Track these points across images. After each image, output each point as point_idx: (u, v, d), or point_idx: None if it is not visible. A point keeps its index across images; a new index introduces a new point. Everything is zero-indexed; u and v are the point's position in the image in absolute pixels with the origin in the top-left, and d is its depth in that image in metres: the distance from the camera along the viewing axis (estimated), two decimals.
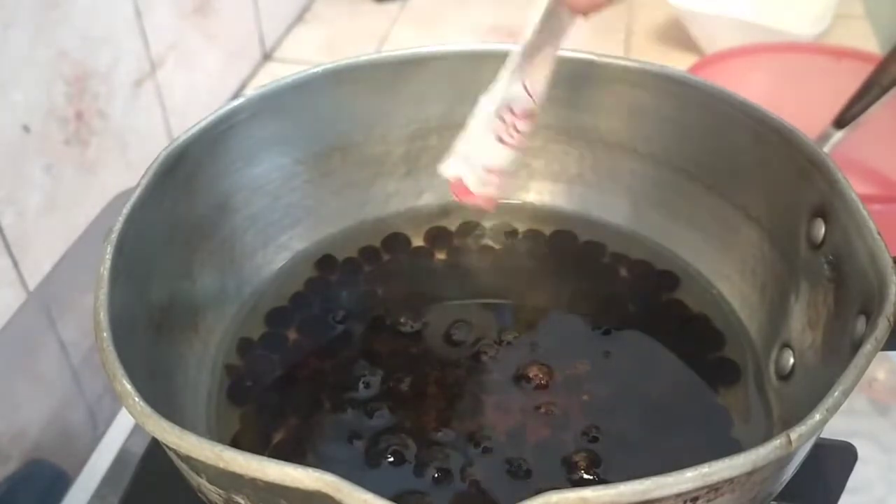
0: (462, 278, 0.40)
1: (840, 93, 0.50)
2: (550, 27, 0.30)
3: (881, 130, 0.51)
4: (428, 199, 0.42)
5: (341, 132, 0.40)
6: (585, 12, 0.29)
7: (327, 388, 0.34)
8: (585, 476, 0.30)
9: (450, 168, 0.33)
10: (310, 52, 0.76)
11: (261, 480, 0.21)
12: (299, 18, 0.80)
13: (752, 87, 0.46)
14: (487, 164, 0.33)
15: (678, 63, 0.41)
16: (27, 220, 0.47)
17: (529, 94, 0.31)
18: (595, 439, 0.31)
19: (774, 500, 0.26)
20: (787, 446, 0.22)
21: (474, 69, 0.39)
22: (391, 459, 0.31)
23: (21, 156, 0.46)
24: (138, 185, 0.31)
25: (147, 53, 0.56)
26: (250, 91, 0.36)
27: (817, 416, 0.22)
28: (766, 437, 0.22)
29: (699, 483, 0.21)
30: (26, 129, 0.46)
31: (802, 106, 0.45)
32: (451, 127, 0.41)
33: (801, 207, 0.32)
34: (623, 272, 0.39)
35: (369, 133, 0.40)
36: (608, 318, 0.37)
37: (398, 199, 0.42)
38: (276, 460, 0.21)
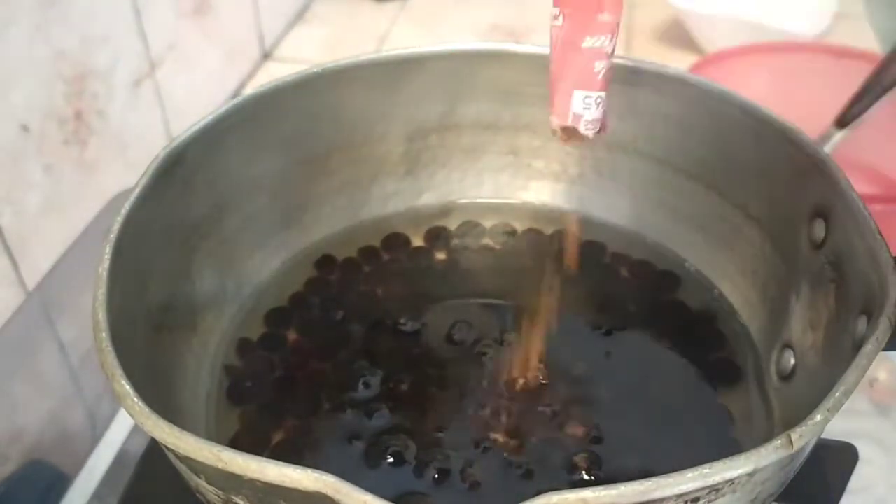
0: (462, 278, 0.40)
1: (841, 92, 0.50)
2: None
3: (882, 130, 0.51)
4: (428, 199, 0.42)
5: (341, 132, 0.40)
6: None
7: (327, 388, 0.34)
8: (586, 476, 0.30)
9: None
10: (310, 52, 0.75)
11: (260, 481, 0.21)
12: (299, 18, 0.80)
13: (753, 87, 0.46)
14: None
15: (678, 63, 0.40)
16: (26, 220, 0.47)
17: None
18: (595, 440, 0.31)
19: (775, 500, 0.26)
20: (787, 447, 0.21)
21: (474, 69, 0.39)
22: (391, 460, 0.31)
23: (20, 156, 0.45)
24: (137, 184, 0.31)
25: (146, 53, 0.56)
26: (250, 91, 0.36)
27: (818, 417, 0.22)
28: (767, 437, 0.22)
29: (700, 483, 0.21)
30: (25, 128, 0.45)
31: (803, 106, 0.45)
32: (451, 127, 0.41)
33: (802, 207, 0.32)
34: (624, 272, 0.39)
35: (369, 133, 0.40)
36: (609, 319, 0.37)
37: (398, 199, 0.42)
38: (275, 461, 0.21)
